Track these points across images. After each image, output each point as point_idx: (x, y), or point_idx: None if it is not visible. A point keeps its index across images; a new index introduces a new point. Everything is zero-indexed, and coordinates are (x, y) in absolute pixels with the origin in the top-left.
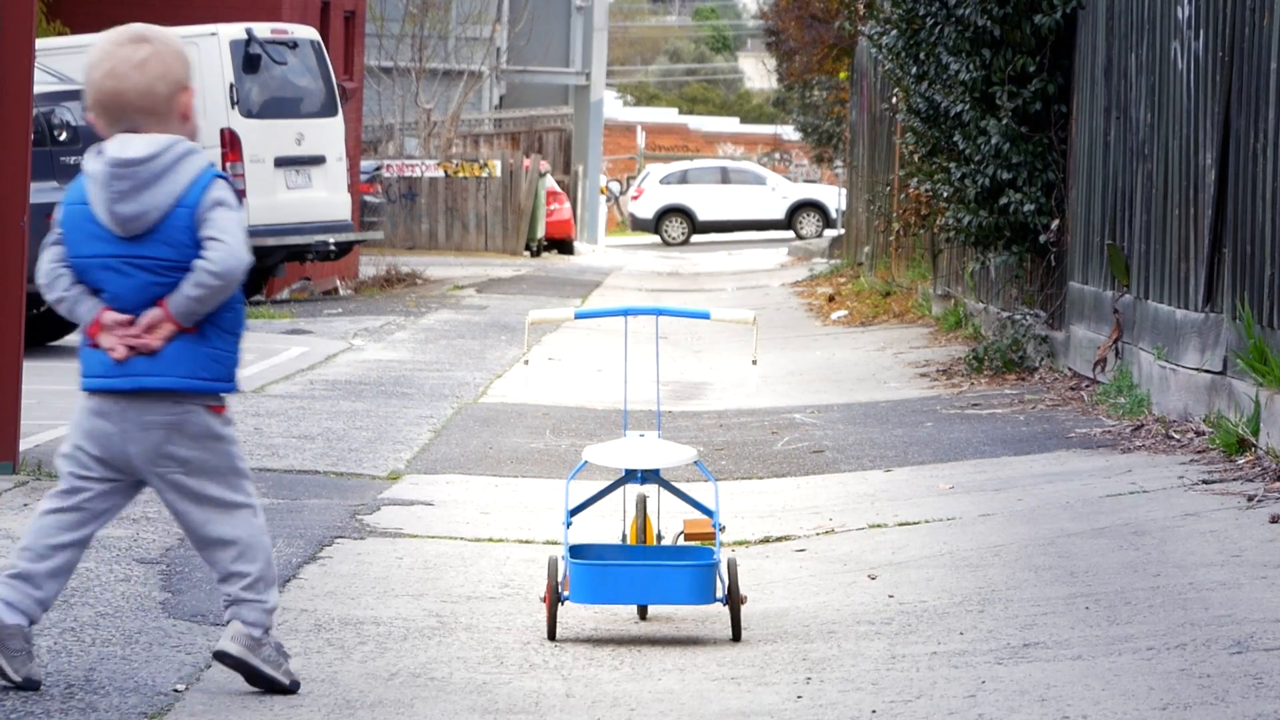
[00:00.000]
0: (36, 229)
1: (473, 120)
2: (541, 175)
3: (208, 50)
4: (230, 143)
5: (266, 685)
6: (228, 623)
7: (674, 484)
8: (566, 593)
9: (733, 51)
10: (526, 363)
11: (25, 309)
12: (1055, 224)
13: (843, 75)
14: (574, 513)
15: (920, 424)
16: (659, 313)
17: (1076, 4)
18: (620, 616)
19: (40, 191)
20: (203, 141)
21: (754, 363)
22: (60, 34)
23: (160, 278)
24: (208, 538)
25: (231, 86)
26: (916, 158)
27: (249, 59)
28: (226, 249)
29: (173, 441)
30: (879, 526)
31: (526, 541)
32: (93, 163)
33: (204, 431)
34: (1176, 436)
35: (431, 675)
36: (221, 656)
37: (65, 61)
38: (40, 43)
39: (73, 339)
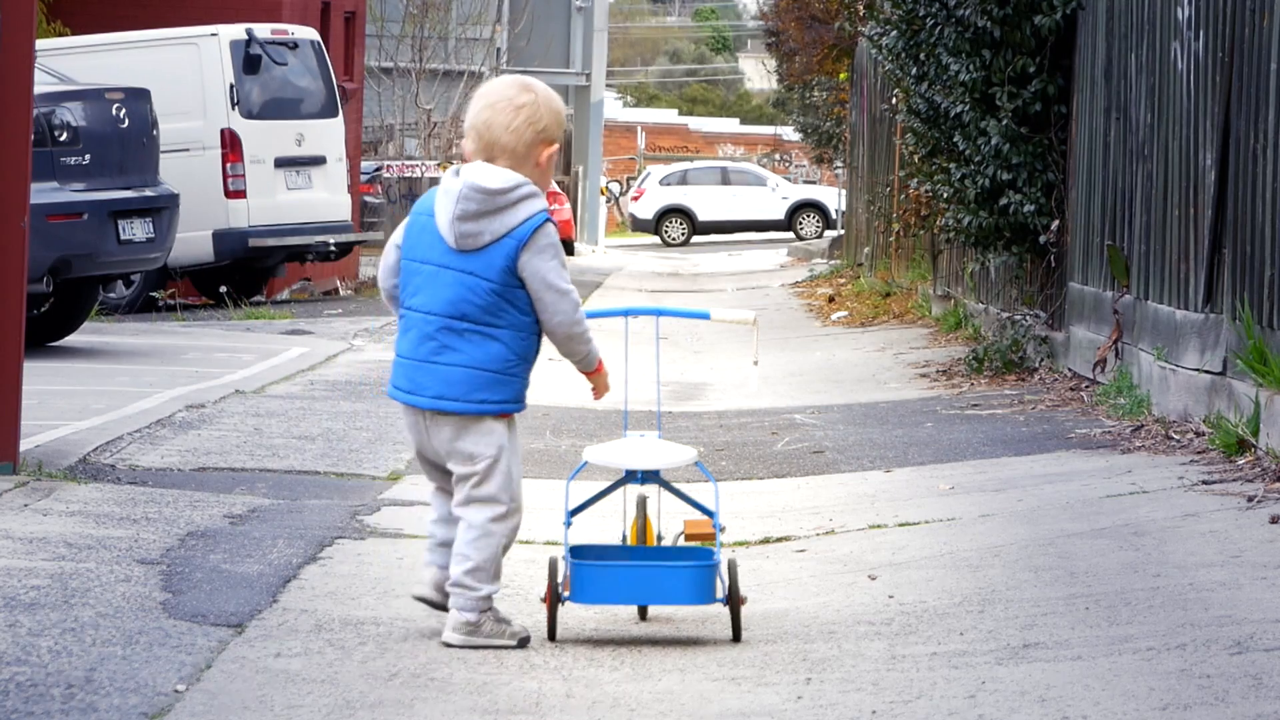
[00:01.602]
0: (36, 229)
1: None
2: None
3: (208, 50)
4: (230, 143)
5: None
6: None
7: (674, 484)
8: (567, 593)
9: (733, 52)
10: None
11: (25, 309)
12: (1055, 225)
13: (843, 76)
14: (574, 513)
15: (920, 424)
16: (659, 313)
17: (1076, 4)
18: (620, 617)
19: (40, 192)
20: (203, 142)
21: (755, 363)
22: (60, 34)
23: (474, 297)
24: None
25: (232, 87)
26: (916, 158)
27: (249, 59)
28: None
29: (459, 439)
30: (879, 527)
31: (526, 542)
32: (450, 181)
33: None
34: (1176, 437)
35: (432, 675)
36: (447, 646)
37: (65, 61)
38: (40, 43)
39: (73, 339)
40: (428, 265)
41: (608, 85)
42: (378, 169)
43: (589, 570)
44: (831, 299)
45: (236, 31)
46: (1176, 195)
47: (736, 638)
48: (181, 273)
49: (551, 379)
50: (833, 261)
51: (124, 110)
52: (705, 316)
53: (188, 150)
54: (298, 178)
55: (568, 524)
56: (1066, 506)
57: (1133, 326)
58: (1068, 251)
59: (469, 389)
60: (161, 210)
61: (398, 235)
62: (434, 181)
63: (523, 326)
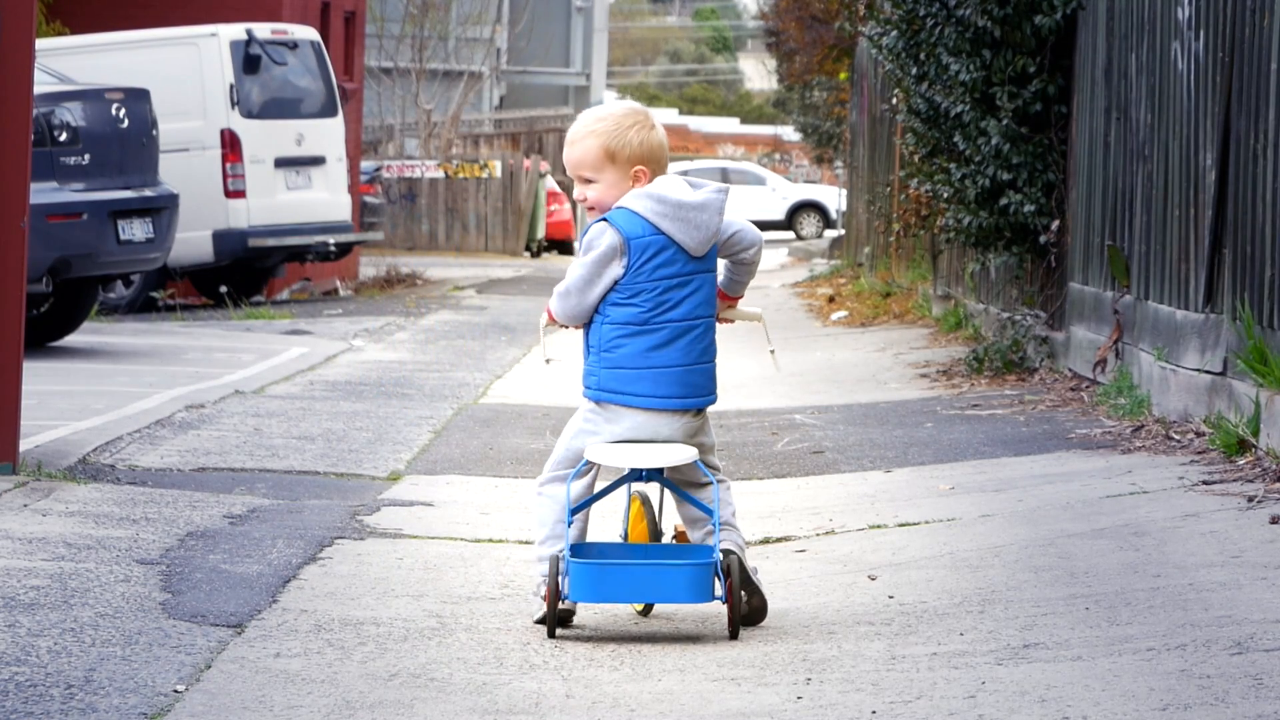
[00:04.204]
0: (36, 229)
1: (473, 121)
2: (542, 176)
3: (207, 50)
4: (230, 143)
5: None
6: None
7: (674, 483)
8: (567, 592)
9: (733, 52)
10: (548, 362)
11: (25, 309)
12: (1055, 225)
13: (843, 76)
14: (574, 512)
15: (920, 425)
16: None
17: (1077, 4)
18: (620, 617)
19: (40, 192)
20: (203, 142)
21: (771, 351)
22: (60, 34)
23: (712, 292)
24: None
25: (231, 87)
26: (916, 158)
27: (249, 59)
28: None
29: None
30: (879, 527)
31: (527, 542)
32: (674, 196)
33: None
34: (1176, 437)
35: (432, 676)
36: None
37: (65, 61)
38: (40, 43)
39: (72, 339)
40: (679, 280)
41: (608, 85)
42: (378, 169)
43: (589, 569)
44: (831, 299)
45: (236, 31)
46: (1177, 195)
47: (734, 635)
48: (181, 273)
49: (551, 379)
50: (833, 261)
51: (124, 110)
52: None
53: (187, 150)
54: (297, 178)
55: (567, 523)
56: (1067, 507)
57: (1133, 326)
58: (1068, 251)
59: (714, 383)
60: (161, 210)
61: (606, 269)
62: (434, 181)
63: None
